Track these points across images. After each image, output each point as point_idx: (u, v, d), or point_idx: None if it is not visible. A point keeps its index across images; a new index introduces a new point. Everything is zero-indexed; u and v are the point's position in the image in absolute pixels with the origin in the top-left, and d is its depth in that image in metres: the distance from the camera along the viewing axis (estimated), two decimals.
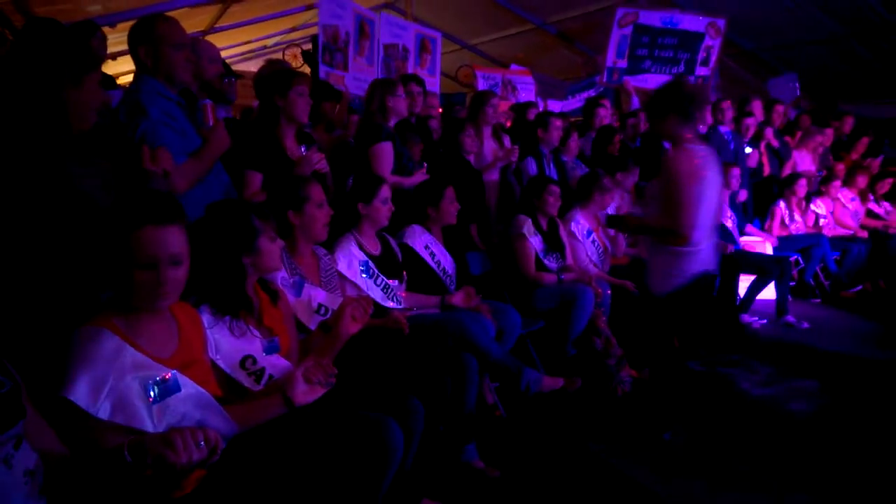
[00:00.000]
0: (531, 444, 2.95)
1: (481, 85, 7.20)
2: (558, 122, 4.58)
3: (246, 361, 1.77)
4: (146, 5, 5.84)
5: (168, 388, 1.43)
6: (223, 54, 8.82)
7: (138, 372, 1.40)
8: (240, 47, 9.27)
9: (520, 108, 5.58)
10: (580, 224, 4.11)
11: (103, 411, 1.33)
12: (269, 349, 1.82)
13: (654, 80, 6.73)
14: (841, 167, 6.23)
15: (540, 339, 3.49)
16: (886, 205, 6.33)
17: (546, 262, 3.78)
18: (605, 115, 5.52)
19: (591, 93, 6.84)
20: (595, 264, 4.04)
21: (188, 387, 1.47)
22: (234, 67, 5.13)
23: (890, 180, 6.29)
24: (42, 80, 1.79)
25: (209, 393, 1.53)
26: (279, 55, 8.23)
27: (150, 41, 2.31)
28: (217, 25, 7.59)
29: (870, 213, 6.19)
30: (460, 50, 9.98)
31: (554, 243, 3.86)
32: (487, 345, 2.88)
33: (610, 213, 4.45)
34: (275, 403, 1.58)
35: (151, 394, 1.39)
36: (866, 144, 6.68)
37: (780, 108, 6.45)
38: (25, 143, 1.74)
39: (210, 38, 7.60)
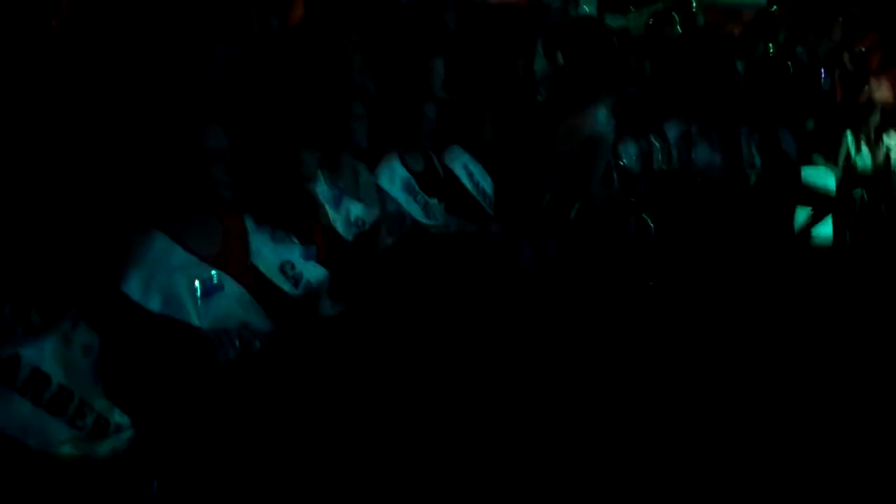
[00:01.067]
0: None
1: None
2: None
3: (285, 266, 1.90)
4: None
5: (212, 286, 1.56)
6: None
7: (186, 270, 1.54)
8: None
9: (575, 24, 5.28)
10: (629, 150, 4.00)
11: (153, 303, 1.48)
12: (307, 255, 1.94)
13: None
14: None
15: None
16: None
17: None
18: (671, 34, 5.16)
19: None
20: None
21: (231, 285, 1.60)
22: None
23: None
24: None
25: (252, 293, 1.66)
26: None
27: None
28: None
29: None
30: None
31: None
32: (523, 263, 2.94)
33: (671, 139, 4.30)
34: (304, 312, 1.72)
35: (197, 290, 1.53)
36: None
37: (864, 32, 5.93)
38: None
39: None
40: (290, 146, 1.98)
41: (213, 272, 1.58)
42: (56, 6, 2.33)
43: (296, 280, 1.91)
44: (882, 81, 5.72)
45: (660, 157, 4.19)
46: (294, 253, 1.94)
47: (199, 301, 1.54)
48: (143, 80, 1.96)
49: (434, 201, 2.91)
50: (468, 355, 2.53)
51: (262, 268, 1.87)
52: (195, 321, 1.52)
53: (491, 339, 2.69)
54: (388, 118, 2.85)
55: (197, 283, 1.54)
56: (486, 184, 3.24)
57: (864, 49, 5.88)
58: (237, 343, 1.31)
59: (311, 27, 2.92)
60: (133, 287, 1.46)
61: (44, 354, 1.20)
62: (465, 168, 3.17)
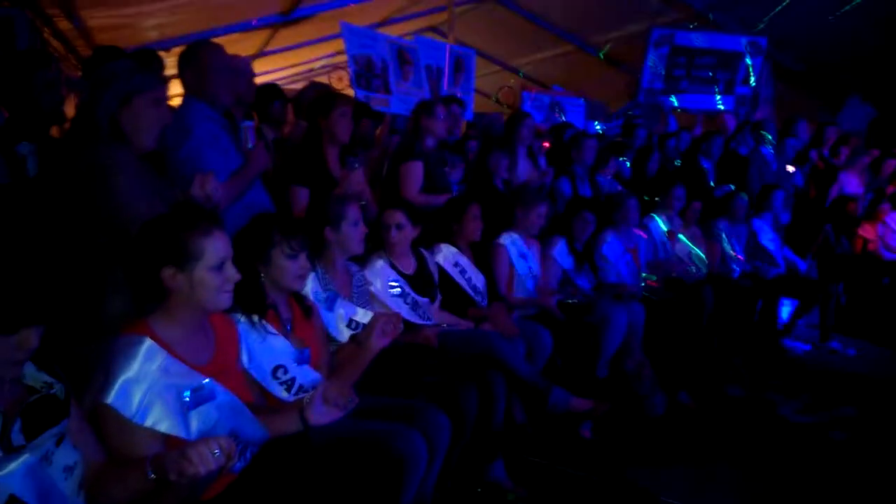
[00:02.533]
0: (559, 465, 2.94)
1: (526, 106, 7.26)
2: (591, 142, 4.61)
3: (278, 371, 1.86)
4: (199, 31, 6.13)
5: (203, 396, 1.51)
6: (271, 77, 9.13)
7: (175, 379, 1.48)
8: (288, 70, 9.60)
9: (557, 129, 5.62)
10: (613, 245, 4.10)
11: (140, 417, 1.41)
12: (300, 359, 1.91)
13: (691, 101, 6.69)
14: (890, 189, 6.03)
15: (570, 360, 3.49)
16: None
17: (577, 281, 3.79)
18: (643, 136, 5.52)
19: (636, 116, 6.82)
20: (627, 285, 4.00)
21: (222, 394, 1.55)
22: (283, 89, 5.33)
23: None
24: (97, 101, 1.92)
25: (243, 401, 1.61)
26: (326, 77, 8.50)
27: (195, 65, 2.47)
28: (266, 49, 7.90)
29: None
30: (501, 71, 10.08)
31: (588, 263, 3.88)
32: (516, 363, 2.90)
33: (656, 236, 4.44)
34: (291, 419, 1.65)
35: (187, 400, 1.48)
36: None
37: (830, 130, 6.29)
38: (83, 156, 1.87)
39: (259, 61, 7.91)
40: (281, 249, 1.97)
41: (205, 381, 1.53)
42: None
43: (289, 385, 1.87)
44: (850, 176, 6.01)
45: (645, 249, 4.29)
46: (287, 357, 1.91)
47: (189, 412, 1.48)
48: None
49: (426, 300, 2.91)
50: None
51: (253, 372, 1.83)
52: (184, 434, 1.45)
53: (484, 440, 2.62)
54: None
55: (187, 393, 1.49)
56: (478, 279, 3.27)
57: (831, 146, 6.21)
58: (217, 453, 1.25)
59: (308, 138, 3.03)
60: (120, 400, 1.40)
61: (21, 479, 1.12)
62: (455, 265, 3.20)
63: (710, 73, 6.64)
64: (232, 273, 1.56)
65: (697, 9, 7.14)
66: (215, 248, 1.53)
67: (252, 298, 1.87)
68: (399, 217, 2.86)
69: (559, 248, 3.76)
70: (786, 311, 4.91)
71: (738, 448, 3.16)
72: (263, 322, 1.88)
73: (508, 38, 9.17)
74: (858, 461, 3.02)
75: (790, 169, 5.63)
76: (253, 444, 1.62)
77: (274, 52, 8.08)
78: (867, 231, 5.63)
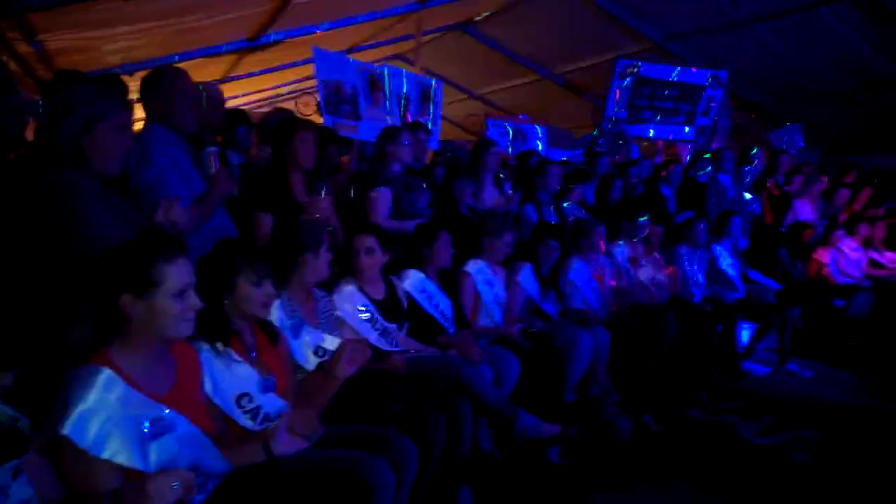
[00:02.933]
0: (527, 491, 2.93)
1: (491, 133, 7.37)
2: (556, 169, 4.69)
3: (242, 399, 1.82)
4: (163, 55, 6.09)
5: (163, 427, 1.47)
6: (238, 102, 9.08)
7: (134, 409, 1.44)
8: (253, 95, 9.57)
9: (522, 156, 5.71)
10: (578, 271, 4.16)
11: (98, 449, 1.36)
12: (266, 387, 1.87)
13: (654, 130, 6.91)
14: (843, 216, 6.28)
15: (537, 385, 3.50)
16: (889, 254, 6.34)
17: (543, 306, 3.83)
18: (606, 163, 5.65)
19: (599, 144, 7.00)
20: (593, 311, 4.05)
21: (183, 425, 1.51)
22: (249, 114, 5.30)
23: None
24: (59, 126, 1.89)
25: (206, 433, 1.57)
26: (292, 103, 8.51)
27: (158, 90, 2.45)
28: (232, 74, 7.87)
29: (873, 263, 6.20)
30: (467, 99, 10.24)
31: (553, 289, 3.93)
32: (483, 389, 2.90)
33: (620, 261, 4.52)
34: (254, 450, 1.62)
35: (146, 432, 1.44)
36: (868, 195, 6.74)
37: (784, 158, 6.56)
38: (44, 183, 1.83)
39: (225, 86, 7.87)
40: (246, 276, 1.94)
41: (165, 411, 1.49)
42: None
43: (254, 413, 1.83)
44: (804, 203, 6.25)
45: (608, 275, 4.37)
46: (251, 385, 1.87)
47: (148, 444, 1.44)
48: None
49: (394, 326, 2.90)
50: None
51: (217, 400, 1.79)
52: (142, 466, 1.41)
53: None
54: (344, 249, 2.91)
55: (146, 424, 1.45)
56: (445, 306, 3.27)
57: (785, 174, 6.47)
58: (176, 486, 1.22)
59: (272, 164, 3.02)
60: (77, 431, 1.35)
61: None
62: (422, 291, 3.20)
63: (673, 105, 6.87)
64: (194, 300, 1.54)
65: (657, 41, 7.42)
66: (177, 274, 1.50)
67: (216, 326, 1.84)
68: (369, 242, 2.86)
69: (524, 274, 3.80)
70: (745, 334, 5.03)
71: (701, 470, 3.20)
72: (227, 349, 1.84)
73: (474, 67, 9.34)
74: (820, 482, 3.08)
75: (747, 196, 5.82)
76: (215, 476, 1.58)
77: (240, 78, 8.06)
78: (821, 256, 5.82)
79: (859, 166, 7.60)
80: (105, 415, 1.39)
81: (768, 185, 6.12)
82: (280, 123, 3.11)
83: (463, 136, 9.55)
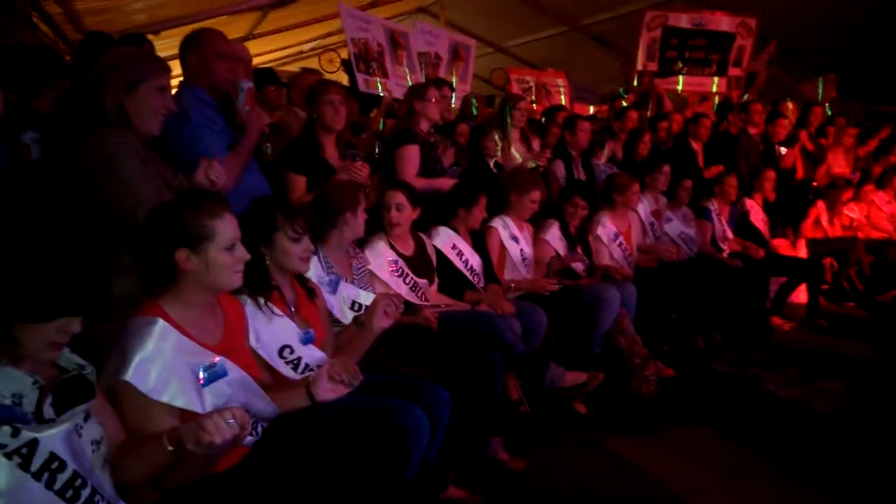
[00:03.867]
0: (555, 438, 3.03)
1: (514, 88, 7.27)
2: (586, 125, 4.65)
3: (284, 350, 1.92)
4: (189, 14, 6.09)
5: (216, 373, 1.57)
6: (262, 59, 9.04)
7: (189, 357, 1.54)
8: (277, 52, 9.54)
9: (549, 112, 5.65)
10: (607, 227, 4.17)
11: (157, 393, 1.47)
12: (305, 340, 1.97)
13: (686, 83, 6.73)
14: (877, 169, 6.13)
15: (566, 339, 3.57)
16: None
17: (571, 264, 3.86)
18: (635, 118, 5.57)
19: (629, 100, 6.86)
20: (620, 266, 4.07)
21: (234, 371, 1.61)
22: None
23: None
24: (104, 88, 1.95)
25: (253, 377, 1.67)
26: (316, 59, 8.46)
27: (198, 51, 2.50)
28: (255, 32, 7.85)
29: None
30: (494, 53, 10.06)
31: (581, 246, 3.95)
32: (512, 342, 2.98)
33: (644, 216, 4.51)
34: (299, 396, 1.70)
35: (201, 377, 1.54)
36: None
37: (817, 110, 6.38)
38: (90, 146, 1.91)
39: (249, 43, 7.87)
40: (285, 232, 2.02)
41: (217, 359, 1.59)
42: None
43: (295, 364, 1.93)
44: (838, 156, 6.11)
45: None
46: (292, 337, 1.96)
47: (203, 389, 1.54)
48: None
49: (424, 282, 2.98)
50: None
51: (261, 352, 1.89)
52: (199, 409, 1.51)
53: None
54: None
55: (201, 370, 1.55)
56: (475, 262, 3.33)
57: (818, 127, 6.31)
58: (231, 422, 1.30)
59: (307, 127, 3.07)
60: (138, 377, 1.46)
61: (60, 442, 1.21)
62: (453, 248, 3.26)
63: (704, 54, 6.67)
64: (242, 253, 1.62)
65: None
66: (226, 229, 1.59)
67: (257, 281, 1.93)
68: (400, 197, 2.92)
69: (552, 232, 3.82)
70: (774, 289, 5.01)
71: (723, 419, 3.25)
72: (269, 304, 1.93)
73: (500, 20, 9.15)
74: (842, 434, 3.12)
75: (782, 150, 5.71)
76: (264, 419, 1.69)
77: (264, 35, 8.03)
78: (854, 210, 5.73)
79: (893, 117, 7.35)
80: (162, 362, 1.49)
81: (801, 137, 5.97)
82: (309, 87, 3.14)
83: (488, 90, 9.44)
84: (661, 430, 3.14)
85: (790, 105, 6.11)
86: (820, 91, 7.31)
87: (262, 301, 1.91)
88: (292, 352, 1.93)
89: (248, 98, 2.48)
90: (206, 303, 1.66)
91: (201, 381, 1.53)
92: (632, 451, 2.91)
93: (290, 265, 2.02)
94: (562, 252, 3.85)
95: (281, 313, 1.95)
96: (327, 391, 1.71)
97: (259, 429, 1.69)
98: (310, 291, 2.13)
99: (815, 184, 5.95)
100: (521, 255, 3.61)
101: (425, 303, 2.95)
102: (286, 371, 1.92)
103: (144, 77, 1.97)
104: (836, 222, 5.60)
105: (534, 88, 7.52)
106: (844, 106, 7.59)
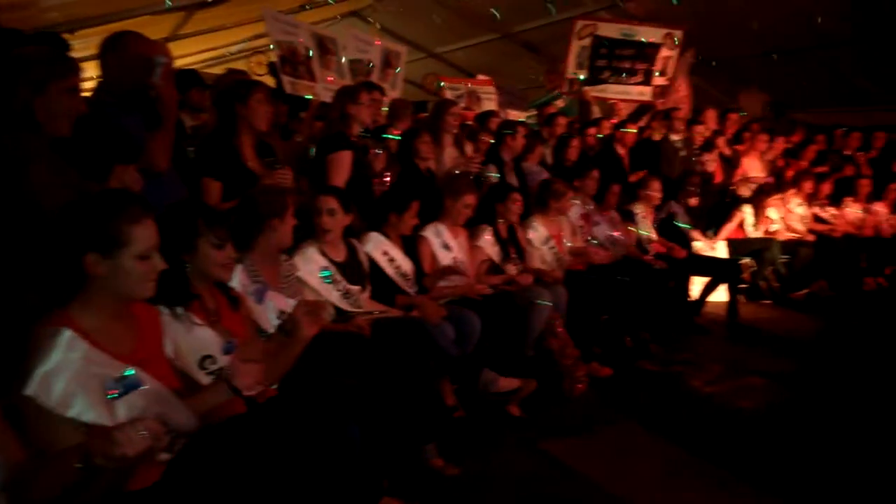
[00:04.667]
0: (490, 442, 3.04)
1: (447, 95, 7.31)
2: (521, 131, 4.72)
3: (205, 361, 1.84)
4: (107, 12, 5.80)
5: (128, 385, 1.48)
6: (187, 61, 8.74)
7: (99, 369, 1.45)
8: (203, 54, 9.23)
9: (482, 118, 5.71)
10: (539, 231, 4.23)
11: (63, 407, 1.37)
12: (228, 349, 1.89)
13: (613, 91, 6.96)
14: (790, 173, 6.51)
15: (498, 342, 3.59)
16: (832, 209, 6.62)
17: (504, 268, 3.90)
18: (564, 123, 5.70)
19: (557, 106, 7.02)
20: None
21: (148, 382, 1.53)
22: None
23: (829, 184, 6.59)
24: (12, 89, 1.83)
25: (169, 388, 1.59)
26: (243, 62, 8.24)
27: (116, 52, 2.39)
28: (180, 32, 7.56)
29: (817, 218, 6.47)
30: (426, 58, 10.09)
31: (514, 250, 3.99)
32: (446, 347, 2.98)
33: (574, 220, 4.62)
34: (218, 390, 1.63)
35: (112, 390, 1.45)
36: (815, 152, 6.99)
37: (732, 117, 6.73)
38: None
39: (173, 44, 7.57)
40: (207, 239, 1.93)
41: (129, 370, 1.50)
42: None
43: (217, 376, 1.84)
44: (753, 161, 6.45)
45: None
46: (214, 347, 1.88)
47: (114, 402, 1.45)
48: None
49: (357, 288, 2.93)
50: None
51: (180, 363, 1.80)
52: (109, 424, 1.42)
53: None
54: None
55: (112, 382, 1.46)
56: (407, 267, 3.31)
57: (734, 133, 6.65)
58: (143, 433, 1.23)
59: (220, 128, 2.95)
60: (41, 391, 1.35)
61: None
62: (384, 254, 3.23)
63: (630, 64, 6.92)
64: (158, 263, 1.54)
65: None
66: (143, 236, 1.51)
67: (176, 289, 1.84)
68: (331, 203, 2.87)
69: (486, 238, 3.85)
70: (697, 289, 5.22)
71: (650, 416, 3.35)
72: (188, 313, 1.85)
73: (432, 26, 9.18)
74: (763, 428, 3.27)
75: (705, 156, 5.97)
76: (182, 432, 1.60)
77: (188, 36, 7.75)
78: (769, 212, 6.04)
79: (807, 124, 7.84)
80: (69, 374, 1.39)
81: (718, 143, 6.28)
82: (233, 84, 3.03)
83: (422, 96, 9.45)
84: (595, 430, 3.19)
85: (709, 113, 6.40)
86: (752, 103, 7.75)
87: (180, 310, 1.83)
88: (214, 362, 1.85)
89: (163, 73, 2.38)
90: (117, 311, 1.57)
91: (113, 394, 1.44)
92: (567, 452, 2.94)
93: (211, 273, 1.94)
94: (496, 257, 3.89)
95: (201, 322, 1.87)
96: (244, 374, 1.64)
97: (177, 443, 1.60)
98: (233, 300, 2.05)
99: (731, 187, 6.25)
100: (454, 262, 3.61)
101: (358, 310, 2.91)
102: (207, 382, 1.83)
103: (54, 77, 1.88)
104: (760, 226, 5.89)
105: (466, 95, 7.60)
106: (763, 114, 8.06)
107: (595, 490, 2.63)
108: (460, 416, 3.20)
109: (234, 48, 9.43)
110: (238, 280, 2.24)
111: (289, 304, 2.41)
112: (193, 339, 1.84)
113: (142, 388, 1.50)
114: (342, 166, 3.32)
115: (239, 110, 2.83)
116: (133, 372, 1.49)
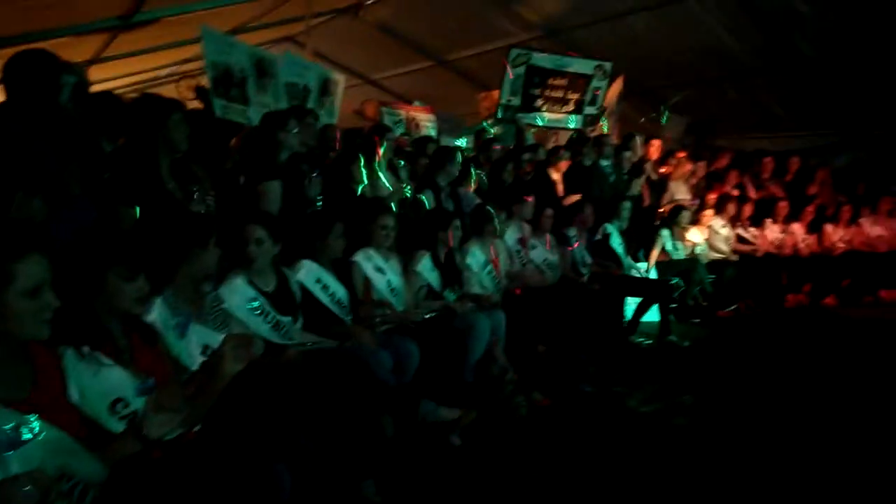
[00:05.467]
0: (430, 474, 2.96)
1: (385, 120, 7.31)
2: (455, 156, 4.75)
3: (116, 405, 1.68)
4: (25, 31, 5.51)
5: (22, 435, 1.34)
6: (111, 85, 8.41)
7: None
8: (129, 78, 8.90)
9: (418, 143, 5.72)
10: (476, 256, 4.23)
11: None
12: (143, 391, 1.74)
13: (544, 118, 7.14)
14: (713, 197, 6.81)
15: (438, 369, 3.53)
16: (754, 230, 6.95)
17: (443, 294, 3.87)
18: (500, 150, 5.79)
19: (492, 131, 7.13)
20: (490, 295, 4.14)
21: (46, 431, 1.39)
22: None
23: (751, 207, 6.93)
24: None
25: (73, 436, 1.45)
26: (172, 87, 7.99)
27: (24, 74, 2.25)
28: (105, 55, 7.27)
29: (740, 239, 6.78)
30: (362, 84, 10.09)
31: (452, 276, 3.97)
32: (384, 377, 2.90)
33: (511, 244, 4.65)
34: (127, 442, 1.51)
35: (2, 441, 1.31)
36: (737, 176, 7.35)
37: (656, 143, 7.01)
38: None
39: (97, 67, 7.26)
40: (116, 272, 1.80)
41: (23, 417, 1.36)
42: None
43: (130, 420, 1.70)
44: (679, 185, 6.71)
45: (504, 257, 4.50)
46: (126, 389, 1.74)
47: (6, 454, 1.31)
48: None
49: (288, 319, 2.82)
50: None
51: (86, 408, 1.64)
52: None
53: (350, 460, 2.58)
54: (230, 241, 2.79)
55: (2, 432, 1.32)
56: (342, 294, 3.22)
57: (660, 158, 6.92)
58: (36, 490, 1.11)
59: (136, 151, 2.81)
60: None
61: None
62: (317, 281, 3.13)
63: (563, 94, 7.13)
64: (50, 299, 1.41)
65: (544, 32, 7.65)
66: (29, 271, 1.38)
67: (81, 326, 1.70)
68: (259, 232, 2.76)
69: (423, 263, 3.81)
70: (630, 310, 5.34)
71: (591, 438, 3.37)
72: (95, 353, 1.70)
73: (367, 52, 9.21)
74: (695, 443, 3.33)
75: (635, 181, 6.18)
76: (91, 482, 1.46)
77: (113, 59, 7.46)
78: (694, 234, 6.29)
79: (729, 150, 8.26)
80: None
81: (646, 168, 6.51)
82: (151, 104, 2.89)
83: (358, 122, 9.41)
84: (536, 455, 3.17)
85: (637, 139, 6.65)
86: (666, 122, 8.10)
87: (86, 349, 1.68)
88: (126, 405, 1.70)
89: (73, 93, 2.25)
90: (8, 353, 1.43)
91: (3, 446, 1.30)
92: (507, 480, 2.90)
93: (122, 307, 1.80)
94: (434, 283, 3.85)
95: (111, 362, 1.72)
96: (161, 424, 1.52)
97: (86, 495, 1.46)
98: (148, 336, 1.91)
99: (660, 210, 6.47)
100: (389, 286, 3.54)
101: (290, 342, 2.79)
102: (120, 429, 1.68)
103: None
104: (681, 246, 6.10)
105: (405, 121, 7.63)
106: (686, 140, 8.44)
107: None
108: (399, 448, 3.11)
109: (163, 72, 9.15)
110: (156, 314, 2.10)
111: (215, 337, 2.29)
112: (102, 381, 1.68)
113: (40, 438, 1.36)
114: (271, 197, 3.22)
115: (157, 132, 2.70)
116: (27, 420, 1.35)
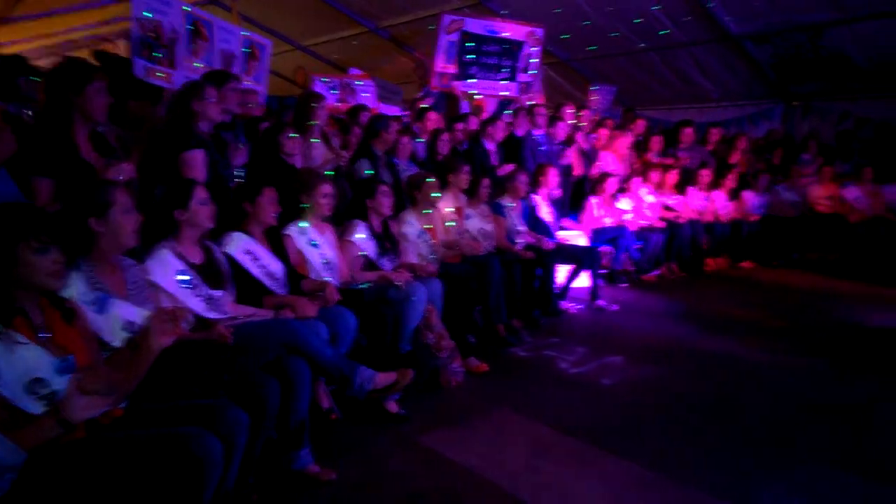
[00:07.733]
0: (368, 443, 3.00)
1: (318, 88, 7.12)
2: (394, 125, 4.70)
3: (34, 385, 1.62)
4: None
5: None
6: (19, 48, 7.86)
7: None
8: (41, 41, 8.30)
9: (352, 111, 5.63)
10: (412, 225, 4.24)
11: None
12: (63, 369, 1.68)
13: (481, 87, 7.14)
14: (638, 165, 7.03)
15: (375, 338, 3.56)
16: (679, 198, 7.24)
17: (380, 263, 3.87)
18: (435, 118, 5.76)
19: (428, 102, 7.05)
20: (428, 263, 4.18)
21: None
22: (35, 64, 4.57)
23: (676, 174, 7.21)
24: None
25: None
26: (87, 51, 7.50)
27: None
28: (12, 15, 6.74)
29: (665, 206, 7.05)
30: (294, 51, 9.78)
31: (389, 244, 3.97)
32: (319, 348, 2.88)
33: (447, 213, 4.67)
34: (46, 426, 1.46)
35: None
36: (659, 144, 7.61)
37: (586, 113, 7.15)
38: None
39: (6, 28, 6.74)
40: (27, 244, 1.71)
41: None
42: None
43: (49, 399, 1.63)
44: (610, 155, 6.90)
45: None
46: (44, 368, 1.67)
47: None
48: None
49: (219, 293, 2.76)
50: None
51: (3, 392, 1.58)
52: None
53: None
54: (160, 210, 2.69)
55: None
56: (275, 267, 3.17)
57: (592, 128, 7.07)
58: None
59: (51, 119, 2.64)
60: None
61: None
62: (247, 252, 3.07)
63: (497, 60, 7.11)
64: None
65: None
66: None
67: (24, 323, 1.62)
68: (202, 193, 2.68)
69: (358, 232, 3.78)
70: (561, 276, 5.50)
71: (524, 400, 3.49)
72: (9, 331, 1.62)
73: (297, 17, 8.92)
74: (621, 401, 3.52)
75: (567, 152, 6.30)
76: (6, 466, 1.41)
77: (18, 20, 6.92)
78: (623, 202, 6.50)
79: (651, 119, 8.54)
80: None
81: (577, 138, 6.64)
82: (66, 70, 2.72)
83: (290, 89, 9.14)
84: (471, 420, 3.25)
85: (568, 109, 6.75)
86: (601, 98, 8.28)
87: (0, 328, 1.60)
88: (45, 385, 1.64)
89: None
90: None
91: None
92: (445, 445, 2.97)
93: (36, 282, 1.71)
94: (371, 252, 3.84)
95: (27, 341, 1.65)
96: (82, 407, 1.47)
97: (4, 480, 1.41)
98: (67, 312, 1.83)
99: (591, 179, 6.65)
100: (323, 258, 3.51)
101: (223, 315, 2.74)
102: (38, 410, 1.62)
103: None
104: (609, 213, 6.31)
105: (340, 87, 7.47)
106: (615, 111, 8.65)
107: (471, 478, 2.68)
108: (336, 418, 3.13)
109: (76, 35, 8.56)
110: (74, 289, 2.02)
111: (139, 313, 2.21)
112: (18, 361, 1.61)
113: None
114: (196, 166, 3.11)
115: (74, 99, 2.55)
116: None
